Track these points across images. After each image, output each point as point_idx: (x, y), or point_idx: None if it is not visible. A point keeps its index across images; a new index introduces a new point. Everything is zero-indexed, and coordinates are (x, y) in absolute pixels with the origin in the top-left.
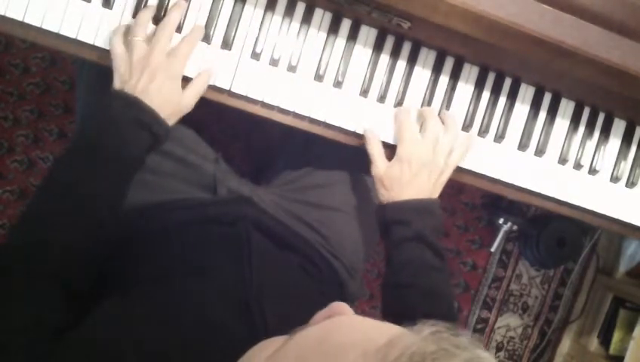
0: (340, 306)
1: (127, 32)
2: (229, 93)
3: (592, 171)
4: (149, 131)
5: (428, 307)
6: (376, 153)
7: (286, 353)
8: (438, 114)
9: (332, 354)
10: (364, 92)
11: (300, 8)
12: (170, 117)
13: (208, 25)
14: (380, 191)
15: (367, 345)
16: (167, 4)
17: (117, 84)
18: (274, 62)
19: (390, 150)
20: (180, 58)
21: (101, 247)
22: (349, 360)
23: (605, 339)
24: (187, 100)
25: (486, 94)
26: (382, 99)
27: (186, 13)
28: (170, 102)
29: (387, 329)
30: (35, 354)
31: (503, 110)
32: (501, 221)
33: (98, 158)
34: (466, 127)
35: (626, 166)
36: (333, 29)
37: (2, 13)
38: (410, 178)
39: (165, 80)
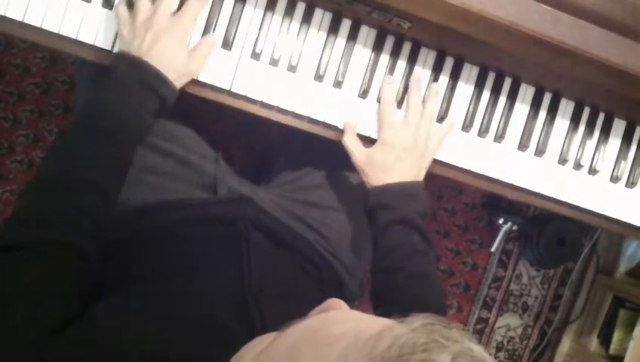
0: (336, 302)
1: None
2: (229, 93)
3: (592, 171)
4: (155, 93)
5: (418, 290)
6: (352, 144)
7: (280, 344)
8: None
9: (324, 343)
10: (364, 92)
11: (300, 8)
12: (177, 80)
13: (208, 25)
14: (365, 179)
15: (358, 334)
16: None
17: (121, 47)
18: (274, 62)
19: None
20: (185, 19)
21: (107, 215)
22: (339, 348)
23: (605, 339)
24: (194, 64)
25: (486, 94)
26: None
27: None
28: (176, 65)
29: (379, 321)
30: (35, 348)
31: (503, 110)
32: (501, 221)
33: (104, 123)
34: (466, 127)
35: (626, 166)
36: (333, 28)
37: (2, 13)
38: (393, 162)
39: (170, 40)
